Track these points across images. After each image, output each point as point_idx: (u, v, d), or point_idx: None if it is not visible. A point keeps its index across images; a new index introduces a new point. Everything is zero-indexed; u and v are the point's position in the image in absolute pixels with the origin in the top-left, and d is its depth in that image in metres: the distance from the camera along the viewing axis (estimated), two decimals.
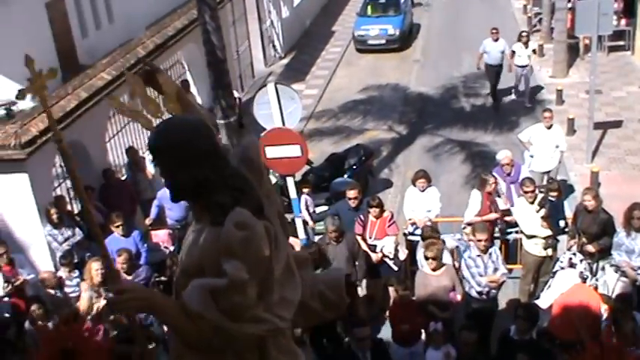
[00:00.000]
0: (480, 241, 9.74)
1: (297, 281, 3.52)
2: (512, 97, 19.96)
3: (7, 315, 10.03)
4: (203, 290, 3.16)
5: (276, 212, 3.62)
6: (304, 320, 3.84)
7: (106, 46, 21.31)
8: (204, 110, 3.50)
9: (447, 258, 10.27)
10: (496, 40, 18.82)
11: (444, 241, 10.36)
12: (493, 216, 11.26)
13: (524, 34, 19.57)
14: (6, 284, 10.30)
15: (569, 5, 21.10)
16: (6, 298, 10.24)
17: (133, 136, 15.27)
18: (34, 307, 9.46)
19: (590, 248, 10.33)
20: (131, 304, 3.21)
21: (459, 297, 9.77)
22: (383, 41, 25.26)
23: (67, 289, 10.51)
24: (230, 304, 3.14)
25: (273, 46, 24.82)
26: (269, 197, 3.58)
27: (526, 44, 18.91)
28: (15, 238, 11.41)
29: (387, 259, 10.79)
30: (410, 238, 11.69)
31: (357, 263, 10.47)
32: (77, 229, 11.51)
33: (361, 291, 10.86)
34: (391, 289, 10.24)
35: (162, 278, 11.72)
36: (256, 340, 3.36)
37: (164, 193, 12.68)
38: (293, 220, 12.37)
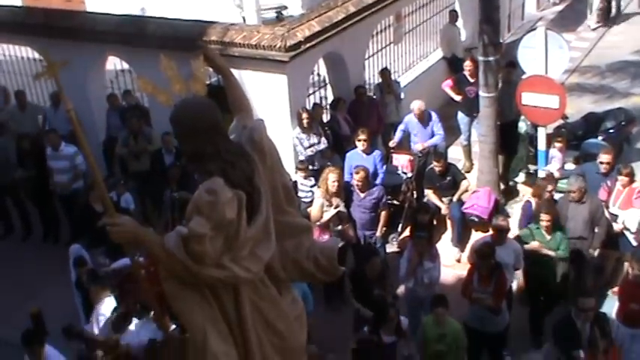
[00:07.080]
0: None
1: (271, 242, 4.26)
2: None
3: None
4: (177, 235, 3.98)
5: (280, 184, 4.47)
6: (299, 276, 4.73)
7: None
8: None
9: None
10: None
11: None
12: None
13: None
14: None
15: None
16: None
17: (391, 58, 15.32)
18: None
19: None
20: (120, 234, 4.06)
21: None
22: None
23: (300, 194, 10.80)
24: (191, 250, 3.91)
25: None
26: (273, 171, 4.40)
27: None
28: None
29: (627, 232, 10.21)
30: None
31: (595, 230, 10.02)
32: (323, 138, 11.83)
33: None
34: (626, 265, 9.70)
35: (395, 202, 11.85)
36: (223, 282, 4.12)
37: (411, 119, 12.70)
38: (536, 171, 11.98)
